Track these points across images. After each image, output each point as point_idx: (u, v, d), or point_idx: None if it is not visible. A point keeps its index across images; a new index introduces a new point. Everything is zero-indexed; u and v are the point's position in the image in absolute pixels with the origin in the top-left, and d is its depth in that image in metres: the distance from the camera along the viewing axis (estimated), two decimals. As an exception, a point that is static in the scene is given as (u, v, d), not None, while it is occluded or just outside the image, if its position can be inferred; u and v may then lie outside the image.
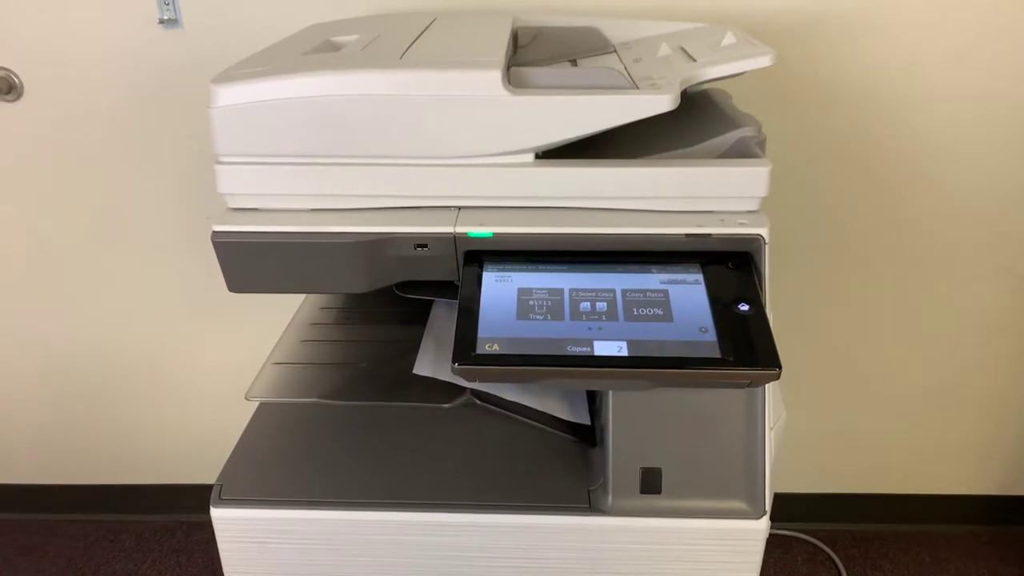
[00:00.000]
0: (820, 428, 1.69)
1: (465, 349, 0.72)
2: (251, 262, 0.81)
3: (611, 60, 1.01)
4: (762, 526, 0.80)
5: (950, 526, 1.78)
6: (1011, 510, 1.76)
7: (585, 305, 0.76)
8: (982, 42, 1.30)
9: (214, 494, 0.83)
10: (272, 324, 1.16)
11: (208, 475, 1.77)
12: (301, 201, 0.83)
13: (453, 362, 0.71)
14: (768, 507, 0.81)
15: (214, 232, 0.80)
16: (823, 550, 1.75)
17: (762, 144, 0.90)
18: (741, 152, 0.88)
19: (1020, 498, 1.76)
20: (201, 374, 1.69)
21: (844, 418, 1.67)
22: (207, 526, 0.82)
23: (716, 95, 1.05)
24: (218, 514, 0.82)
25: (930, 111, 1.35)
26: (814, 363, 1.60)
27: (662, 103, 0.78)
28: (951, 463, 1.73)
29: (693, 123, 0.95)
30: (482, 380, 0.89)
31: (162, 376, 1.69)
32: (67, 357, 1.68)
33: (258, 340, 1.54)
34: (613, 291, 0.78)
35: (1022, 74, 1.32)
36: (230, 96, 0.78)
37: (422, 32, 0.94)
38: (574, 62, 1.02)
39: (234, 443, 0.90)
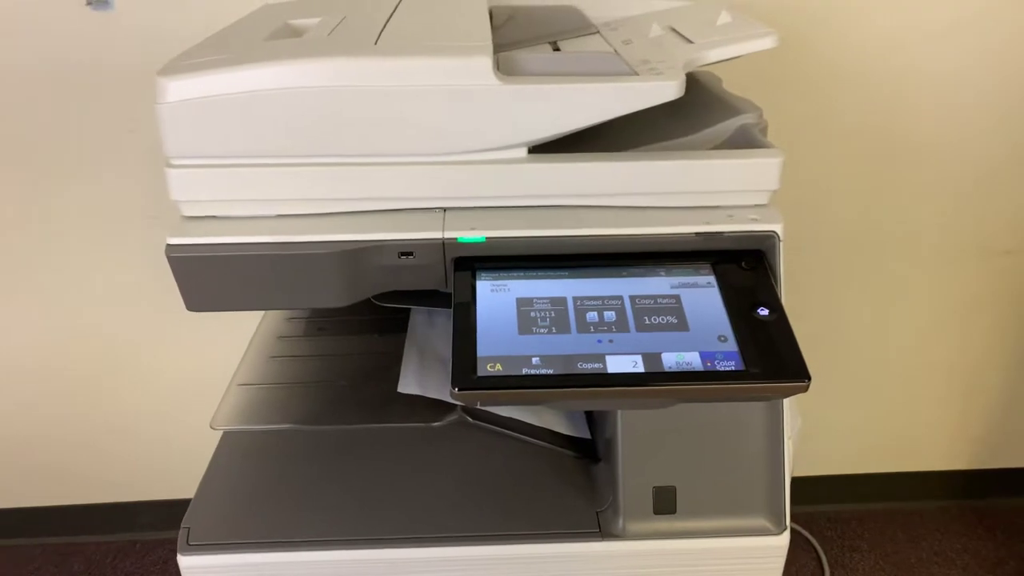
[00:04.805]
0: (794, 412, 1.67)
1: (465, 372, 0.64)
2: (212, 278, 0.72)
3: (596, 42, 0.93)
4: (784, 541, 0.76)
5: (923, 503, 1.80)
6: (981, 484, 1.79)
7: (592, 315, 0.70)
8: (960, 24, 1.27)
9: (181, 540, 0.73)
10: (227, 335, 1.06)
11: (163, 491, 1.66)
12: (267, 207, 0.73)
13: (452, 387, 0.64)
14: (788, 521, 0.76)
15: (168, 246, 0.70)
16: (800, 533, 1.74)
17: (764, 131, 0.84)
18: (743, 141, 0.82)
19: (989, 472, 1.78)
20: (148, 387, 1.57)
21: (815, 401, 1.64)
22: (163, 545, 0.72)
23: (706, 79, 0.99)
24: (187, 562, 0.73)
25: (910, 93, 1.32)
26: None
27: (668, 90, 0.71)
28: (922, 441, 1.74)
29: (687, 110, 0.88)
30: (485, 404, 0.82)
31: (107, 391, 1.57)
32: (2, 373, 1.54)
33: (207, 349, 1.44)
34: (621, 298, 0.71)
35: (999, 56, 1.30)
36: (181, 90, 0.68)
37: (392, 13, 0.85)
38: (554, 44, 0.94)
39: (189, 456, 0.81)
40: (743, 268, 0.73)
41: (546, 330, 0.68)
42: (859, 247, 1.47)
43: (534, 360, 0.66)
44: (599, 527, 0.76)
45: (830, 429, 1.70)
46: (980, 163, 1.39)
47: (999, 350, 1.61)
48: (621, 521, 0.75)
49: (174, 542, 0.75)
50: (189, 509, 0.76)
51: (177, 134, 0.70)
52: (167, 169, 0.71)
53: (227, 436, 0.85)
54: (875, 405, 1.68)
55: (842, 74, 1.30)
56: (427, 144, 0.71)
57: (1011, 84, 1.32)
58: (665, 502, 0.75)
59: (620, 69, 0.74)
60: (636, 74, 0.74)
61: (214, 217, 0.74)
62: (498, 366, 0.65)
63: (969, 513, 1.78)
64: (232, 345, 1.04)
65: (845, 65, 1.29)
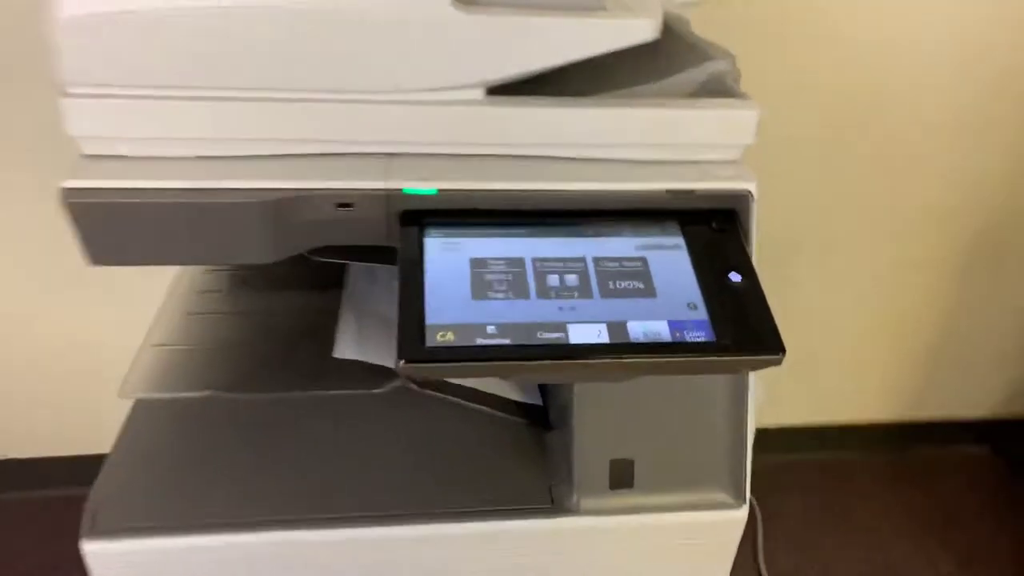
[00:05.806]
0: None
1: (412, 342, 0.57)
2: (118, 227, 0.62)
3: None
4: (743, 515, 0.73)
5: (855, 453, 1.84)
6: (911, 436, 1.83)
7: (553, 279, 0.63)
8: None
9: (85, 523, 0.65)
10: (149, 286, 0.96)
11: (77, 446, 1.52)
12: (184, 146, 0.63)
13: (399, 360, 0.57)
14: (748, 493, 0.73)
15: (64, 189, 0.60)
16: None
17: (737, 80, 0.78)
18: (715, 89, 0.76)
19: (919, 424, 1.83)
20: (52, 349, 1.44)
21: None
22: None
23: (674, 22, 0.91)
24: (93, 548, 0.65)
25: (889, 51, 1.29)
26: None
27: (644, 30, 0.64)
28: (856, 392, 1.77)
29: (654, 53, 0.81)
30: (435, 378, 0.75)
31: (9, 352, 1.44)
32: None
33: (127, 305, 1.32)
34: (583, 260, 0.65)
35: (978, 25, 1.28)
36: (79, 3, 0.57)
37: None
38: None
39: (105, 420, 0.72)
40: (714, 229, 0.68)
41: (503, 295, 0.62)
42: (811, 206, 1.46)
43: (489, 329, 0.59)
44: (552, 502, 0.71)
45: (762, 379, 1.71)
46: (930, 126, 1.38)
47: (926, 304, 1.63)
48: (575, 496, 0.71)
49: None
50: (94, 488, 0.68)
51: (74, 57, 0.59)
52: (62, 99, 0.61)
53: (139, 405, 0.76)
54: (809, 355, 1.68)
55: (818, 32, 1.25)
56: (372, 79, 0.62)
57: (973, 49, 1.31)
58: (622, 476, 0.71)
59: (591, 4, 0.66)
60: (604, 10, 0.67)
61: (121, 157, 0.63)
62: (449, 335, 0.59)
63: (902, 463, 1.83)
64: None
65: (819, 23, 1.25)
